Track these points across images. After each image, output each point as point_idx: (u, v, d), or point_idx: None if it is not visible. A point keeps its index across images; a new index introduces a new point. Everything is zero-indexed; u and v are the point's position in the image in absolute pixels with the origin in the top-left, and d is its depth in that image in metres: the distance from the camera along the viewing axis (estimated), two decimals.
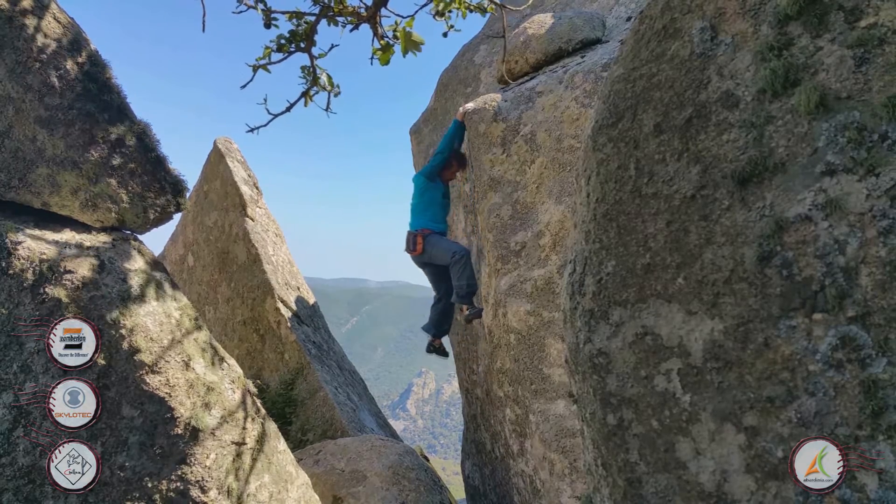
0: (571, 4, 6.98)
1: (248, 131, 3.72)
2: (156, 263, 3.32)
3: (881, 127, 1.68)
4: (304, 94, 3.72)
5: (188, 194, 3.47)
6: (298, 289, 8.35)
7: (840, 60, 1.76)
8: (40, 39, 3.02)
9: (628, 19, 5.45)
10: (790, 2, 1.84)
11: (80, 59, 3.12)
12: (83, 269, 2.91)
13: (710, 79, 1.98)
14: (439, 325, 5.89)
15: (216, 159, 8.34)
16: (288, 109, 3.67)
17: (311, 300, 8.77)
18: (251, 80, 3.62)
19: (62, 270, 2.86)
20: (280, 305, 7.47)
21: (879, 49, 1.71)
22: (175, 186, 3.37)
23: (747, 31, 1.94)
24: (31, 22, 3.01)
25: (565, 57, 5.20)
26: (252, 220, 7.90)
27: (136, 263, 3.15)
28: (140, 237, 3.42)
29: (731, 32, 1.97)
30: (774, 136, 1.84)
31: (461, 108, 5.07)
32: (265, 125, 3.74)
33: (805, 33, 1.83)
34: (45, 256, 2.86)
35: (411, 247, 5.40)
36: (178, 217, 4.43)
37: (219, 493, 3.00)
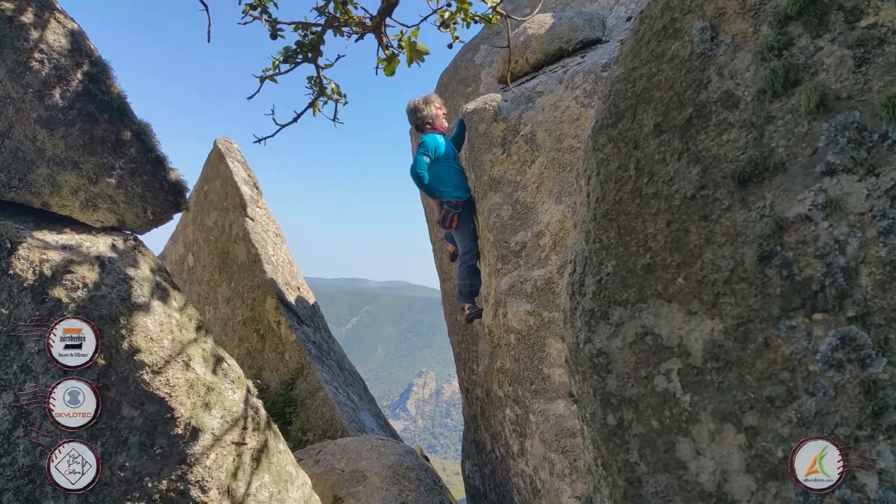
0: (571, 4, 6.98)
1: (256, 142, 3.72)
2: (156, 264, 3.32)
3: (881, 127, 1.68)
4: (312, 105, 3.73)
5: (188, 194, 3.47)
6: (298, 289, 8.35)
7: (840, 60, 1.76)
8: (41, 39, 3.02)
9: (628, 19, 5.45)
10: (790, 2, 1.84)
11: (80, 60, 3.12)
12: (83, 269, 2.91)
13: (710, 79, 1.98)
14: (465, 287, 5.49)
15: (216, 159, 8.35)
16: (295, 120, 3.67)
17: (311, 300, 8.77)
18: (258, 91, 3.63)
19: (62, 270, 2.86)
20: (280, 305, 7.47)
21: (879, 49, 1.71)
22: (175, 186, 3.37)
23: (747, 31, 1.94)
24: (31, 22, 3.01)
25: (565, 57, 5.20)
26: (252, 220, 7.91)
27: (137, 264, 3.15)
28: (140, 237, 3.42)
29: (731, 32, 1.97)
30: (774, 136, 1.84)
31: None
32: (272, 136, 3.74)
33: (805, 33, 1.83)
34: (45, 257, 2.86)
35: (448, 223, 5.14)
36: (178, 217, 4.43)
37: (219, 493, 3.01)
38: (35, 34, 3.00)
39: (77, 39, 3.15)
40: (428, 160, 4.95)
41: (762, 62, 1.89)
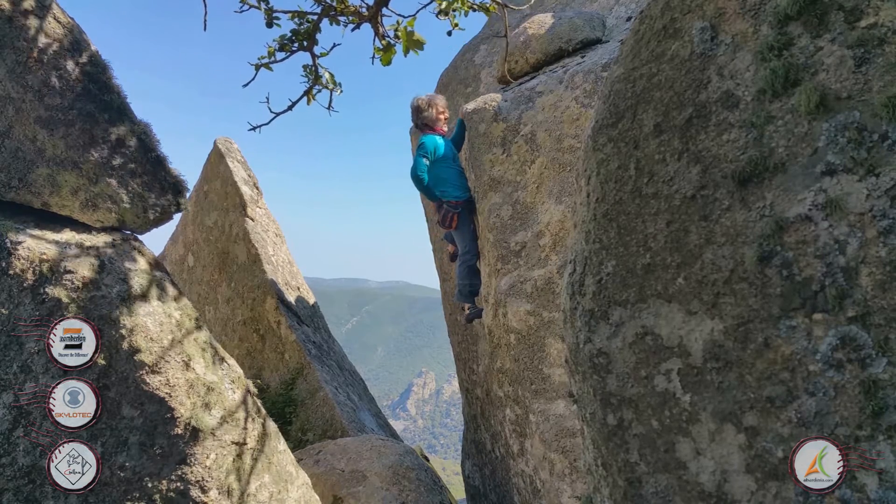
0: (571, 4, 6.98)
1: (251, 129, 3.71)
2: (156, 263, 3.32)
3: (881, 127, 1.68)
4: (307, 93, 3.72)
5: (188, 194, 3.47)
6: (298, 289, 8.35)
7: (840, 60, 1.76)
8: (41, 40, 3.02)
9: (628, 19, 5.45)
10: (790, 2, 1.84)
11: (80, 60, 3.12)
12: (83, 269, 2.91)
13: (710, 79, 1.98)
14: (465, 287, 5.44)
15: (216, 159, 8.35)
16: (290, 108, 3.66)
17: (311, 300, 8.77)
18: (253, 79, 3.62)
19: (62, 270, 2.86)
20: (280, 305, 7.48)
21: (879, 49, 1.71)
22: (175, 186, 3.37)
23: (747, 31, 1.94)
24: (31, 22, 3.01)
25: (565, 57, 5.20)
26: (252, 220, 7.91)
27: (137, 263, 3.15)
28: (140, 237, 3.42)
29: (731, 32, 1.97)
30: (774, 136, 1.84)
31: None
32: (267, 123, 3.74)
33: (805, 33, 1.83)
34: (45, 256, 2.86)
35: (448, 223, 5.15)
36: (178, 217, 4.43)
37: (219, 493, 3.01)
38: (35, 34, 3.00)
39: (77, 39, 3.15)
40: (427, 162, 4.96)
41: (762, 62, 1.89)
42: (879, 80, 1.69)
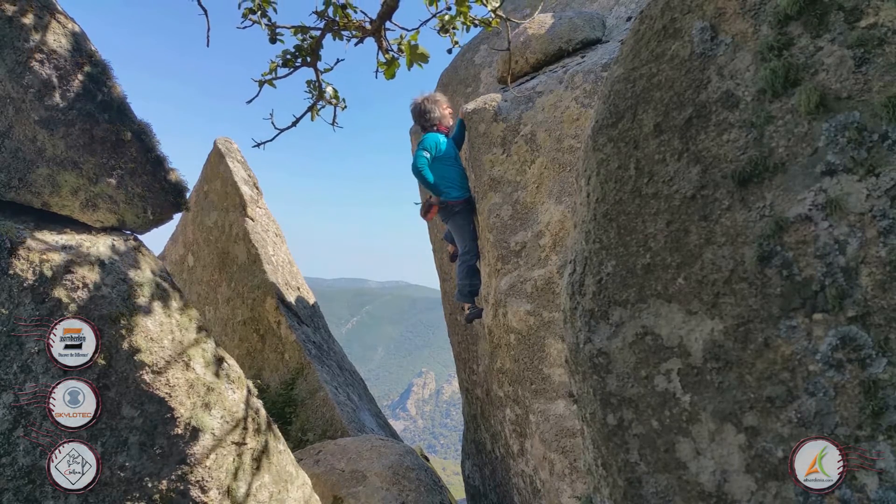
0: (571, 4, 6.97)
1: (255, 146, 3.73)
2: (156, 264, 3.32)
3: (881, 127, 1.68)
4: (311, 109, 3.73)
5: (188, 194, 3.47)
6: (298, 289, 8.35)
7: (840, 60, 1.76)
8: (41, 40, 3.02)
9: (628, 19, 5.45)
10: (790, 2, 1.84)
11: (80, 60, 3.12)
12: (83, 269, 2.91)
13: (710, 79, 1.98)
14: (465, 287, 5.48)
15: (216, 159, 8.35)
16: (294, 124, 3.67)
17: (311, 300, 8.77)
18: (257, 95, 3.63)
19: (62, 271, 2.86)
20: (280, 305, 7.48)
21: (879, 49, 1.71)
22: (175, 186, 3.37)
23: (747, 31, 1.94)
24: (32, 22, 3.01)
25: (565, 57, 5.20)
26: (252, 220, 7.91)
27: (137, 264, 3.15)
28: (140, 237, 3.42)
29: (731, 32, 1.97)
30: (774, 136, 1.84)
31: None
32: (271, 140, 3.75)
33: (805, 33, 1.83)
34: (45, 257, 2.86)
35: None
36: (178, 217, 4.43)
37: (219, 493, 3.01)
38: (35, 34, 3.00)
39: (77, 39, 3.15)
40: (428, 156, 4.99)
41: (762, 62, 1.89)
42: (879, 80, 1.69)
